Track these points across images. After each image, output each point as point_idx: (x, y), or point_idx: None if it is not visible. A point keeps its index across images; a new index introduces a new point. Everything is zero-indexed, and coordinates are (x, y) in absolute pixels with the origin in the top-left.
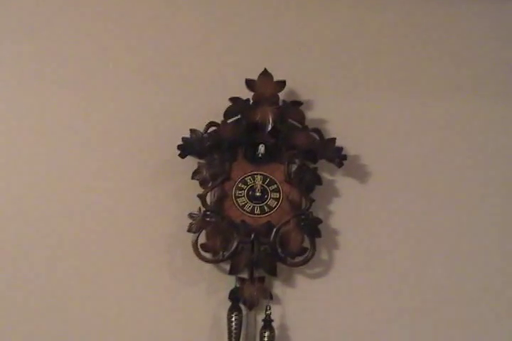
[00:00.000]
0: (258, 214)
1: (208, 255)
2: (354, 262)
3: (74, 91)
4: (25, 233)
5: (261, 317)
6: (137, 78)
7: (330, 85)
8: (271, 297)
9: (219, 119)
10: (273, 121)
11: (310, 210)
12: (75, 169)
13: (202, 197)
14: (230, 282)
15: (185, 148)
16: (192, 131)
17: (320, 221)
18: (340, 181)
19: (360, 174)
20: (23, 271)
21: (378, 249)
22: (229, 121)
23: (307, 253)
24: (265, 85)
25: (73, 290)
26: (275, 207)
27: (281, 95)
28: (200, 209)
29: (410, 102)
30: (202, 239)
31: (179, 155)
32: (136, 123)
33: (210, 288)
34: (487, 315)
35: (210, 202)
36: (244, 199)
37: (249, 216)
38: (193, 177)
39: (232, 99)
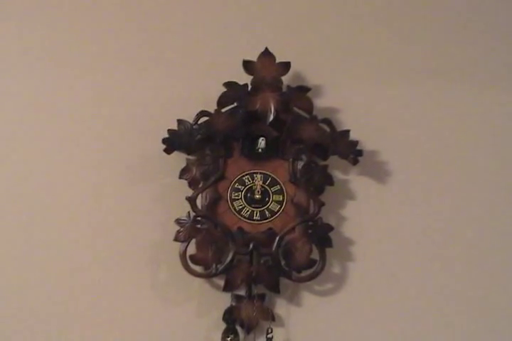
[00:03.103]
0: (258, 220)
1: (198, 268)
2: (370, 277)
3: (44, 76)
4: None
5: None
6: (114, 60)
7: (342, 68)
8: (273, 318)
9: (211, 108)
10: (275, 110)
11: (319, 215)
12: (45, 168)
13: (191, 200)
14: (225, 300)
15: (172, 142)
16: (179, 121)
17: (331, 228)
18: (355, 181)
19: (378, 173)
20: None
21: (399, 261)
22: (223, 110)
23: (316, 266)
24: (266, 67)
25: (43, 310)
26: (278, 211)
27: (285, 79)
28: (189, 214)
29: (435, 89)
30: (191, 249)
31: (164, 150)
32: (114, 113)
33: (201, 307)
34: None
35: (201, 206)
36: (242, 202)
37: (247, 222)
38: (180, 177)
39: (227, 84)
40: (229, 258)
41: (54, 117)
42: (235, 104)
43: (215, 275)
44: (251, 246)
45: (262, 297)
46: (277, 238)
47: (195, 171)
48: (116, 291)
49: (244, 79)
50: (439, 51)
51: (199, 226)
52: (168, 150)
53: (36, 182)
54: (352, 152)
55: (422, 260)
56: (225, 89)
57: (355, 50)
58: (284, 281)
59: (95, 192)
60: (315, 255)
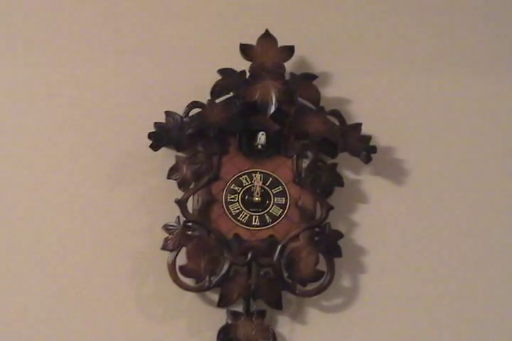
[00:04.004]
0: (257, 225)
1: (189, 281)
2: (385, 290)
3: (17, 62)
4: None
5: None
6: (92, 43)
7: (352, 53)
8: (274, 337)
9: (204, 98)
10: (277, 100)
11: (327, 221)
12: (13, 168)
13: (181, 203)
14: (220, 317)
15: (159, 137)
16: (168, 114)
17: (340, 235)
18: (368, 182)
19: (395, 172)
20: None
21: (417, 273)
22: (218, 100)
23: (323, 278)
24: (267, 52)
25: (15, 328)
26: (280, 216)
27: (288, 66)
28: (178, 219)
29: (459, 76)
30: (181, 259)
31: (150, 146)
32: (94, 104)
33: (193, 325)
34: None
35: (193, 210)
36: (239, 205)
37: (244, 228)
38: (169, 177)
39: (222, 71)
40: (224, 270)
41: (23, 105)
42: (231, 94)
43: (209, 288)
44: (249, 255)
45: (261, 313)
46: (279, 246)
47: (185, 170)
48: (96, 307)
49: (242, 65)
50: (461, 35)
51: (190, 233)
52: (154, 147)
53: (3, 184)
54: (364, 148)
55: (444, 271)
56: (219, 77)
57: (367, 32)
58: (286, 296)
59: (71, 194)
60: (322, 266)
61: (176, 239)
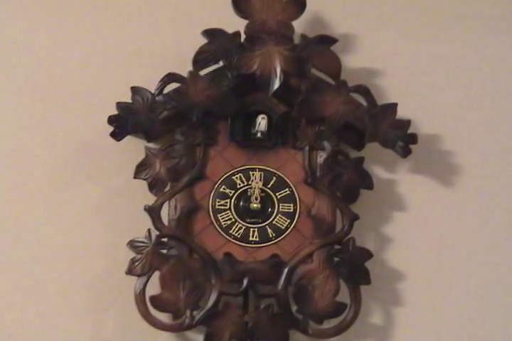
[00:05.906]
0: (256, 242)
1: (164, 317)
2: (427, 328)
3: None
4: None
5: None
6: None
7: (384, 9)
8: None
9: (184, 70)
10: (283, 72)
11: (351, 235)
12: None
13: (153, 212)
14: None
15: (123, 123)
16: (135, 90)
17: (368, 255)
18: (405, 182)
19: (440, 169)
20: None
21: (469, 305)
22: (203, 72)
23: (345, 313)
24: (269, 7)
25: None
26: (287, 229)
27: (298, 26)
28: (149, 233)
29: None
30: (153, 287)
31: (112, 134)
32: (38, 78)
33: None
34: None
35: (169, 221)
36: (231, 214)
37: (239, 245)
38: (136, 176)
39: (209, 33)
40: (211, 302)
41: None
42: (221, 64)
43: (191, 327)
44: (245, 282)
45: None
46: (286, 270)
47: (158, 167)
48: None
49: (235, 25)
50: None
51: (165, 251)
52: (117, 135)
53: None
54: (401, 137)
55: (503, 302)
56: (205, 41)
57: None
58: (296, 336)
59: (10, 200)
60: (344, 296)
61: (146, 260)
